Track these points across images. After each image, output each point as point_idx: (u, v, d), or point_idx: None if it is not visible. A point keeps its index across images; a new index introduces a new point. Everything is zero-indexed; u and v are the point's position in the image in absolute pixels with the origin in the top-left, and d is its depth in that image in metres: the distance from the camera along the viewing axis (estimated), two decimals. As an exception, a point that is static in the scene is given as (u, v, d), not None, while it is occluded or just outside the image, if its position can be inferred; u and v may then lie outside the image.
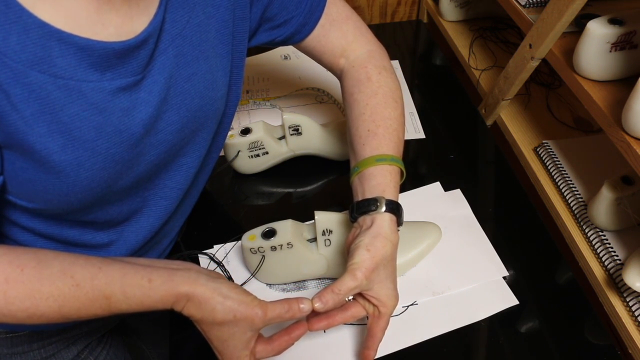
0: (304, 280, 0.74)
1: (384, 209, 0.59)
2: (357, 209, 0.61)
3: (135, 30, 0.50)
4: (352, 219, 0.62)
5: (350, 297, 0.60)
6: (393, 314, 0.69)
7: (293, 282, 0.74)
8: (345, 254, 0.69)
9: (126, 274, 0.52)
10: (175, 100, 0.55)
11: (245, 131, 0.83)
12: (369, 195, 0.61)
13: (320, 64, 0.75)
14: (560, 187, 0.85)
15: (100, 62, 0.48)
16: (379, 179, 0.62)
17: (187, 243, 0.79)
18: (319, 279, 0.74)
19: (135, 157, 0.54)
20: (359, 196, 0.62)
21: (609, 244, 0.75)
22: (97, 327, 0.77)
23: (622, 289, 0.72)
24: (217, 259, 0.77)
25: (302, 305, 0.55)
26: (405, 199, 0.85)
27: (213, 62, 0.59)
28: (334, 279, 0.74)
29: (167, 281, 0.52)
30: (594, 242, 0.77)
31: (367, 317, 0.61)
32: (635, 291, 0.69)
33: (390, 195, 0.60)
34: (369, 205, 0.60)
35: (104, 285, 0.51)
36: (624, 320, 0.70)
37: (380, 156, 0.63)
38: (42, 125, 0.46)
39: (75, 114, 0.48)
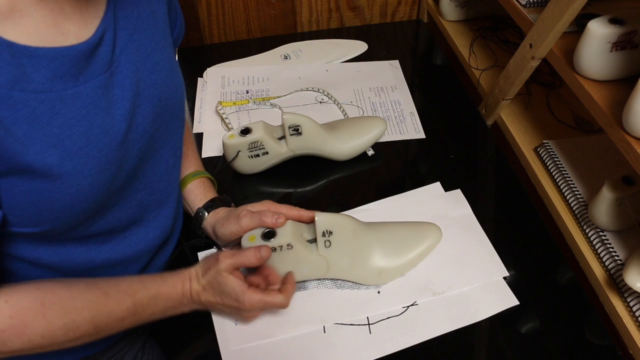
0: (304, 281, 0.74)
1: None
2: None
3: (92, 32, 0.53)
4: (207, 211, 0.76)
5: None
6: (393, 314, 0.70)
7: (293, 283, 0.74)
8: (346, 255, 0.70)
9: (141, 276, 0.64)
10: (147, 92, 0.59)
11: (245, 131, 0.83)
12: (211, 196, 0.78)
13: None
14: (561, 187, 0.85)
15: (72, 68, 0.50)
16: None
17: (187, 244, 0.79)
18: (320, 279, 0.74)
19: (124, 154, 0.57)
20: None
21: (610, 244, 0.75)
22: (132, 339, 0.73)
23: (622, 289, 0.72)
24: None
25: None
26: (405, 199, 0.85)
27: (167, 51, 0.64)
28: (334, 280, 0.74)
29: (174, 274, 0.66)
30: (594, 242, 0.77)
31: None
32: (635, 291, 0.68)
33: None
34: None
35: (127, 287, 0.61)
36: (624, 321, 0.69)
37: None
38: (36, 143, 0.48)
39: (64, 123, 0.50)
